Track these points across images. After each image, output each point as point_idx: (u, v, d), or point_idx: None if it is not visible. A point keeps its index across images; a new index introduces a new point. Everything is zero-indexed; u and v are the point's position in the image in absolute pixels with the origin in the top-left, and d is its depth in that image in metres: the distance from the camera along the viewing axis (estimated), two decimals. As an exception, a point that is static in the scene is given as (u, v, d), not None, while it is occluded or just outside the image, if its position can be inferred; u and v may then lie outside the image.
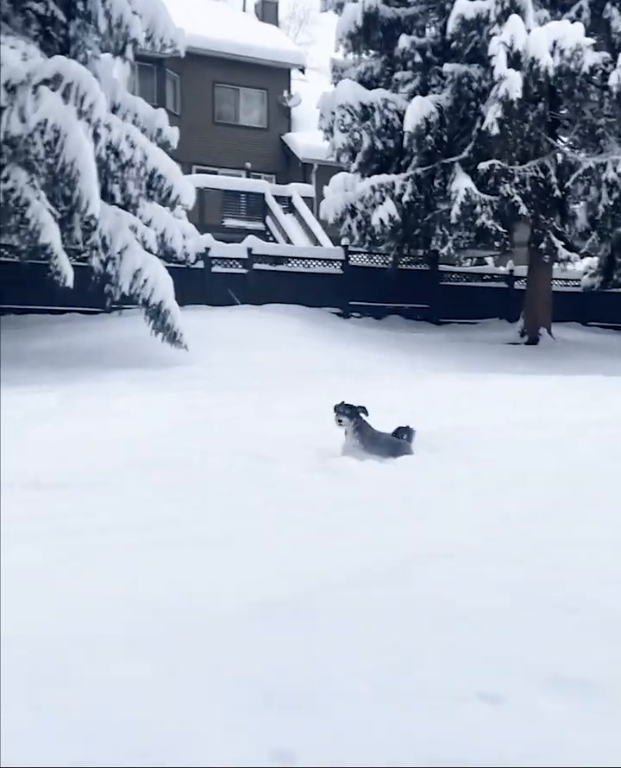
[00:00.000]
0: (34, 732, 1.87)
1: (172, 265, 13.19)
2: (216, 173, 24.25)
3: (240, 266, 17.56)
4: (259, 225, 23.40)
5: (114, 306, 14.20)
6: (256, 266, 17.68)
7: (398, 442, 5.35)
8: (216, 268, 17.25)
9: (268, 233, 23.29)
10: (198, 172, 23.71)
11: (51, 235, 10.13)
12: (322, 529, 3.54)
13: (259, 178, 25.33)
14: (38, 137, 9.53)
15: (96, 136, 10.66)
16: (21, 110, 9.48)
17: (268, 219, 23.68)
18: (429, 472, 4.99)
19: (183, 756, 1.79)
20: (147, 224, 12.64)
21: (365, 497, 4.28)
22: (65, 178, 9.79)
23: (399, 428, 5.41)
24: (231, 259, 17.50)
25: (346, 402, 5.31)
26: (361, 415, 5.27)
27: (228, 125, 25.83)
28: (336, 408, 5.30)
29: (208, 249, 16.81)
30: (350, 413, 5.24)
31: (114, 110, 11.71)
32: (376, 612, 2.54)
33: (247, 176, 25.25)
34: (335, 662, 2.23)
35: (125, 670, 2.14)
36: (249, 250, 17.55)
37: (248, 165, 25.36)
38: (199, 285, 16.55)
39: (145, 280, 11.69)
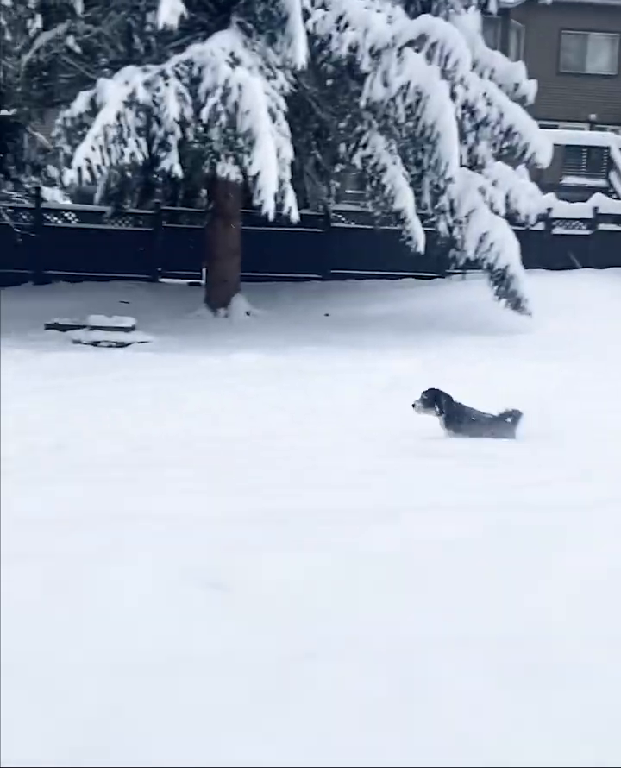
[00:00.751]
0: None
1: (511, 227, 12.64)
2: (556, 126, 22.81)
3: (583, 226, 16.41)
4: (601, 182, 21.65)
5: (449, 271, 14.04)
6: (601, 226, 16.40)
7: (500, 423, 5.36)
8: (555, 230, 16.30)
9: (611, 190, 21.48)
10: (539, 127, 22.49)
11: (405, 199, 10.14)
12: None
13: (603, 130, 23.40)
14: (400, 101, 9.49)
15: (453, 96, 10.38)
16: (385, 75, 9.49)
17: (612, 175, 21.81)
18: None
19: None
20: (493, 185, 12.19)
21: None
22: (423, 140, 9.68)
23: (507, 412, 5.38)
24: (573, 219, 16.44)
25: (429, 389, 5.39)
26: (443, 401, 5.33)
27: (572, 74, 24.13)
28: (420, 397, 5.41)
29: (549, 210, 15.90)
30: (428, 401, 5.33)
31: (472, 66, 11.31)
32: None
33: (591, 129, 23.45)
34: None
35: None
36: (595, 209, 16.31)
37: (592, 117, 23.50)
38: (538, 247, 15.70)
39: (491, 244, 11.32)
